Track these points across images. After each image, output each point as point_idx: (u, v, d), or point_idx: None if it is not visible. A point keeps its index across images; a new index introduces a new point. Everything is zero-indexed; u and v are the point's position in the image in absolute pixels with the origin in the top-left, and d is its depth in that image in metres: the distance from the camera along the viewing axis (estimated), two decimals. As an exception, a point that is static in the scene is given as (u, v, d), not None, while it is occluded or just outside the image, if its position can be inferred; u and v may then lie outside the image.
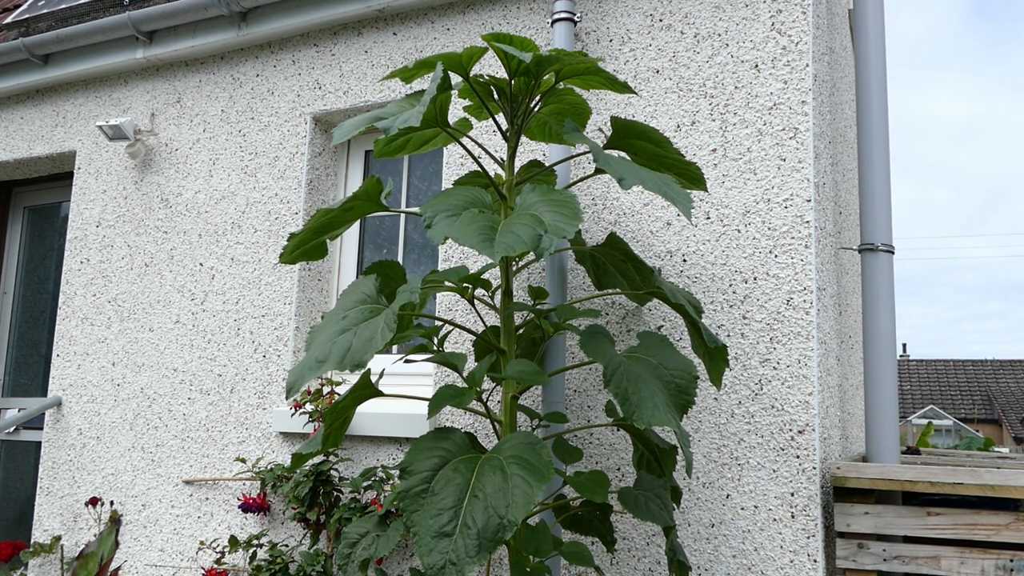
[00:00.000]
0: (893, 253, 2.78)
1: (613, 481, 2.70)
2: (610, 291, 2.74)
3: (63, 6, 4.36)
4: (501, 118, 3.02)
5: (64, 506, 3.85)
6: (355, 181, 3.67)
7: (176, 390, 3.65)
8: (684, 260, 2.72)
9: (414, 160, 3.60)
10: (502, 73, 3.12)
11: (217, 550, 3.39)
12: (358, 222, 3.61)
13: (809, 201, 2.58)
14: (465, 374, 2.82)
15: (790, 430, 2.50)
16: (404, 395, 2.33)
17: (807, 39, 2.66)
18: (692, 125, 2.78)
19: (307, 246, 2.39)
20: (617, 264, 2.53)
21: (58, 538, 3.71)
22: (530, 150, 3.04)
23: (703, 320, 2.66)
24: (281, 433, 3.35)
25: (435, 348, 2.40)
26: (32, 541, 3.81)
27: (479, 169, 2.60)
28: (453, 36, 3.27)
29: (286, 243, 2.74)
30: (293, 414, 3.26)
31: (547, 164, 2.91)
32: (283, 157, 3.58)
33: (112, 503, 3.68)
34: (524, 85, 2.27)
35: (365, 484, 3.03)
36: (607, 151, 2.64)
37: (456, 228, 1.85)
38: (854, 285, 3.54)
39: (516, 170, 2.78)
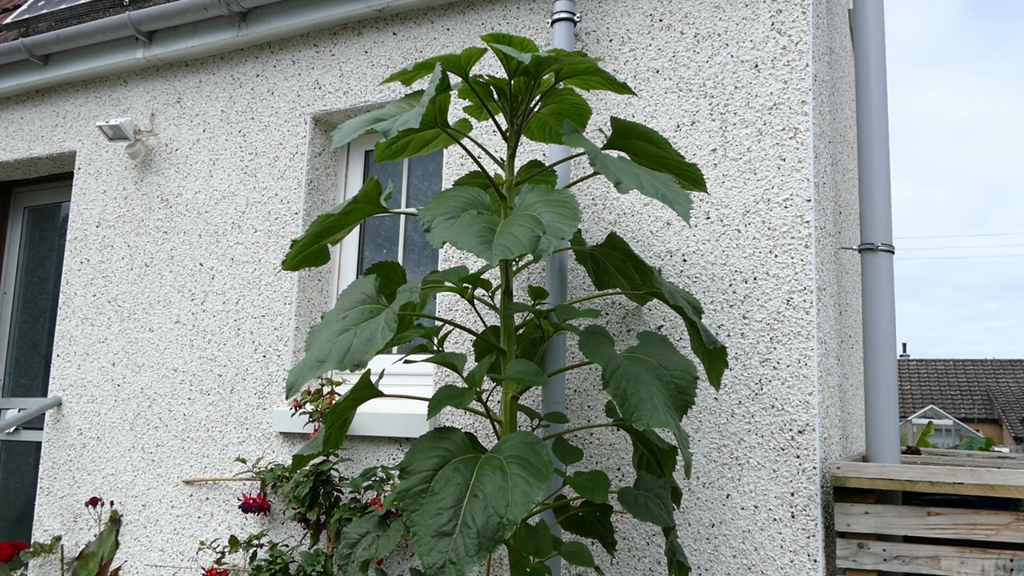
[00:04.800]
0: (893, 253, 2.78)
1: (613, 481, 2.70)
2: (610, 291, 2.74)
3: (63, 6, 4.36)
4: (501, 118, 3.02)
5: (64, 506, 3.85)
6: (355, 181, 3.67)
7: (176, 390, 3.65)
8: (684, 260, 2.72)
9: (414, 160, 3.60)
10: (502, 73, 3.11)
11: (217, 550, 3.39)
12: (358, 223, 3.62)
13: (809, 201, 2.58)
14: (465, 374, 2.82)
15: (790, 430, 2.50)
16: (404, 395, 2.33)
17: (807, 39, 2.66)
18: (692, 125, 2.78)
19: (308, 251, 2.39)
20: (617, 264, 2.53)
21: (58, 538, 3.71)
22: (530, 150, 3.04)
23: (703, 320, 2.66)
24: (281, 433, 3.35)
25: (435, 348, 2.41)
26: (32, 541, 3.81)
27: (479, 169, 2.60)
28: (453, 36, 3.27)
29: (288, 249, 2.75)
30: (293, 414, 3.26)
31: (547, 164, 2.91)
32: (283, 157, 3.58)
33: (112, 503, 3.68)
34: (524, 85, 2.27)
35: (365, 484, 3.03)
36: (607, 151, 2.63)
37: (454, 231, 1.85)
38: (854, 285, 3.54)
39: (516, 170, 2.78)
